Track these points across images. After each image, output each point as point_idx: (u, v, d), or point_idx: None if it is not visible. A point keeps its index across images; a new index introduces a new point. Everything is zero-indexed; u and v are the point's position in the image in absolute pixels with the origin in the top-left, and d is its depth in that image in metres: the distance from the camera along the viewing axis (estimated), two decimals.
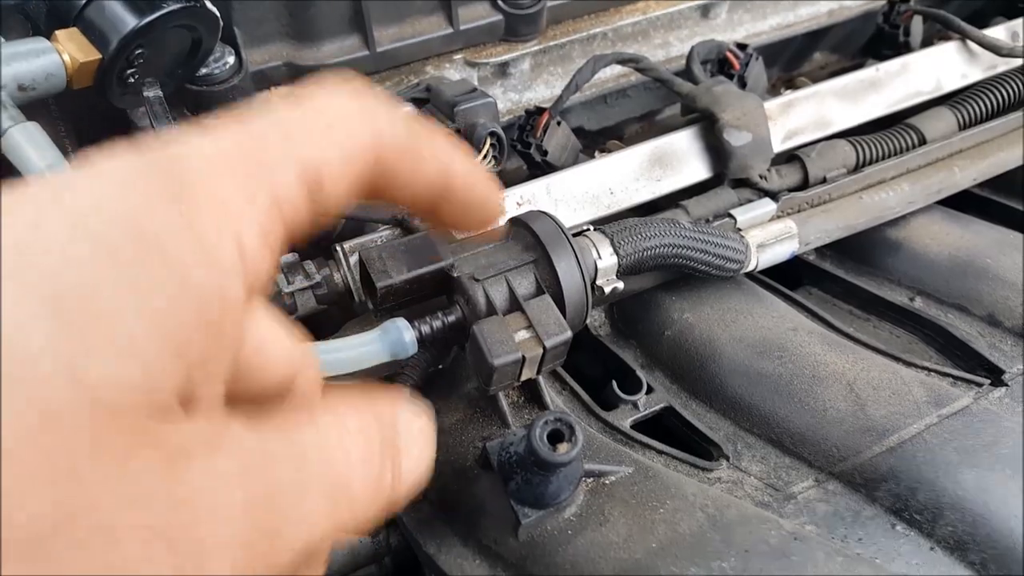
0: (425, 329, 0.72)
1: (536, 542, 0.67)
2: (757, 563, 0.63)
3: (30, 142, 0.65)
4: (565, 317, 0.72)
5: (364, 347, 0.71)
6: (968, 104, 1.02)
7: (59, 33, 0.71)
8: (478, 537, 0.71)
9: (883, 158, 0.97)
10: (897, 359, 0.81)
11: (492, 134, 0.81)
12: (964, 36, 1.07)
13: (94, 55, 0.71)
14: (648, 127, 1.24)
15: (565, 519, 0.68)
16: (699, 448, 0.79)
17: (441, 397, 0.82)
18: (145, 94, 0.71)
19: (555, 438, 0.61)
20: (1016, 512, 0.66)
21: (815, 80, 1.32)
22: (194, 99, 0.83)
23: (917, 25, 1.14)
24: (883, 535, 0.69)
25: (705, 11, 1.07)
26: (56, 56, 0.69)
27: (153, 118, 0.70)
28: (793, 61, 1.29)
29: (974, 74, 1.07)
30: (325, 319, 0.87)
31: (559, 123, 0.95)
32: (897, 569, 0.68)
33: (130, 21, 0.70)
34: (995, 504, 0.67)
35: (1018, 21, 1.12)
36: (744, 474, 0.74)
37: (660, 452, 0.76)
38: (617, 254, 0.78)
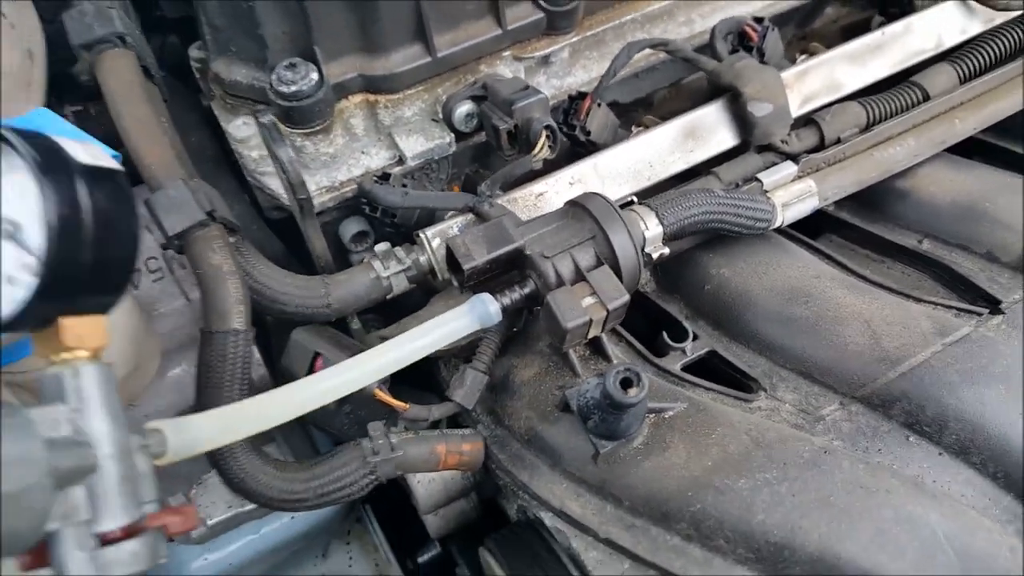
0: (506, 301, 0.86)
1: (612, 467, 0.83)
2: (794, 472, 0.78)
3: None
4: (622, 282, 0.86)
5: (457, 321, 0.85)
6: (967, 59, 1.12)
7: None
8: (563, 466, 0.86)
9: (891, 116, 1.08)
10: (908, 296, 0.94)
11: (548, 127, 0.94)
12: None
13: None
14: (675, 93, 1.34)
15: (635, 448, 0.83)
16: (740, 385, 0.93)
17: (518, 355, 0.96)
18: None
19: (626, 384, 0.76)
20: (1009, 420, 0.80)
21: (827, 34, 1.42)
22: (285, 114, 0.96)
23: None
24: (899, 446, 0.84)
25: None
26: None
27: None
28: (807, 18, 1.38)
29: (973, 28, 1.16)
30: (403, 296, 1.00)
31: (599, 105, 1.07)
32: (912, 472, 0.82)
33: None
34: (990, 414, 0.81)
35: None
36: (780, 402, 0.89)
37: (708, 389, 0.90)
38: (662, 224, 0.92)
